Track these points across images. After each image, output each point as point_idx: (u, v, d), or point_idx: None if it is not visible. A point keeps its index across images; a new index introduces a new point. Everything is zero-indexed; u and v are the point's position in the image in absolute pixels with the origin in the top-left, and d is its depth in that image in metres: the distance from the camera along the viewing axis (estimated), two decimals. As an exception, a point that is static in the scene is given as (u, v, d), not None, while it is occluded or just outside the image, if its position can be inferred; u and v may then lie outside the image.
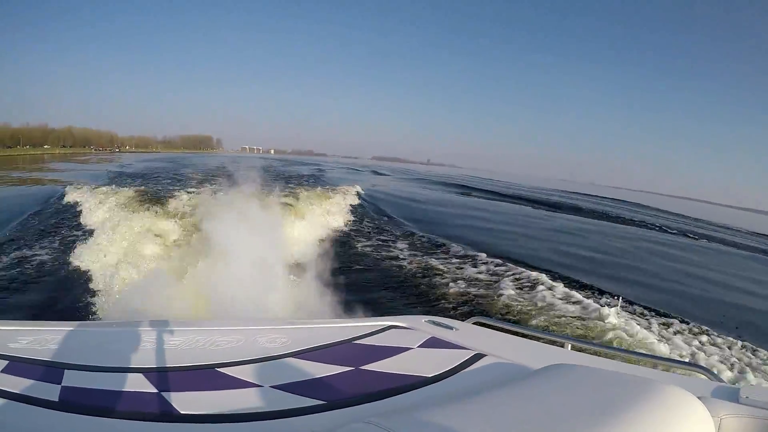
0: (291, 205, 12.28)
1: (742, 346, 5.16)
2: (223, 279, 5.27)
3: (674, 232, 20.37)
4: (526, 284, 6.59)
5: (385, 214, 14.98)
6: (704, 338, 5.34)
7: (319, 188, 18.18)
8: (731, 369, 4.51)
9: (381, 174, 42.69)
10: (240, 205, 7.03)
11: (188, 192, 10.59)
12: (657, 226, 21.60)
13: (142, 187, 12.18)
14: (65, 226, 9.99)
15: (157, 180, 16.27)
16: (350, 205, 16.24)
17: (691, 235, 20.05)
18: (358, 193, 17.79)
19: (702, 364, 2.05)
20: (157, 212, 8.39)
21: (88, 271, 6.40)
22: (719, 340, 5.30)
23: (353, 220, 12.72)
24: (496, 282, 6.48)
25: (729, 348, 5.09)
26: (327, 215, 12.63)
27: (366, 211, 15.30)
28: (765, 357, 4.93)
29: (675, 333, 5.48)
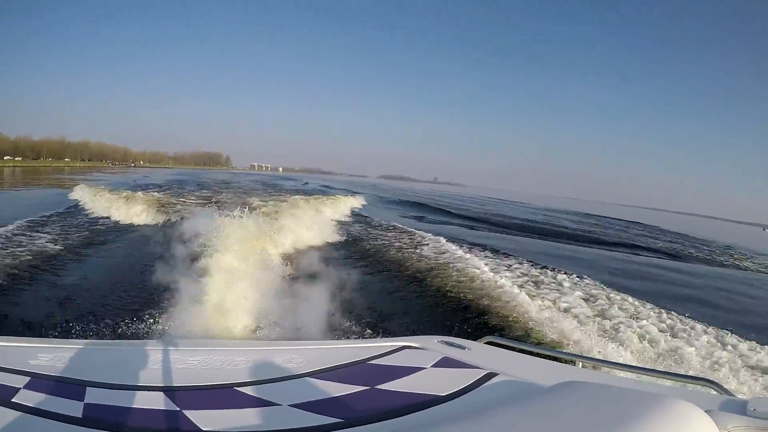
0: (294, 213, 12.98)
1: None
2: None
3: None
4: (541, 304, 6.59)
5: (390, 223, 15.15)
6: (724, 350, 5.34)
7: (321, 196, 18.69)
8: (742, 382, 4.52)
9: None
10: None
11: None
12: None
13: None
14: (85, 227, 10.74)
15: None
16: (352, 214, 16.62)
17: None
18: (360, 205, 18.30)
19: (711, 378, 2.09)
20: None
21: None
22: (737, 350, 5.33)
23: (356, 233, 12.89)
24: (509, 301, 6.45)
25: (743, 358, 5.09)
26: (330, 224, 13.20)
27: (369, 222, 15.60)
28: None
29: (692, 342, 5.51)
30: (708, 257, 20.41)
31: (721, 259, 20.59)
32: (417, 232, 12.81)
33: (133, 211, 13.86)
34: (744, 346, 5.47)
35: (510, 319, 5.79)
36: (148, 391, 1.41)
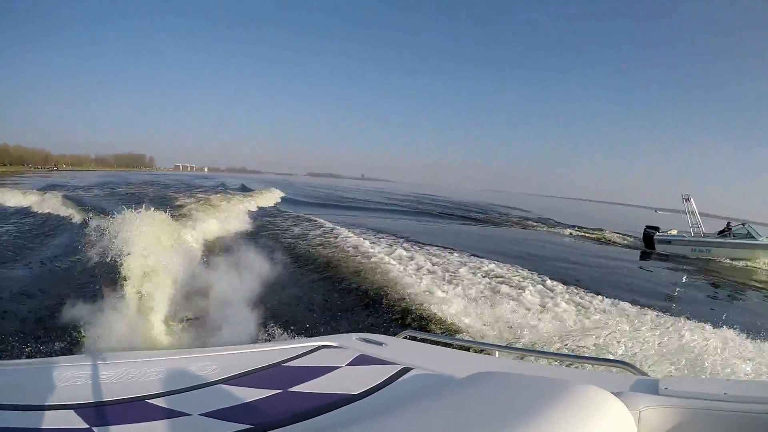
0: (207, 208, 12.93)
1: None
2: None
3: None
4: (463, 294, 6.72)
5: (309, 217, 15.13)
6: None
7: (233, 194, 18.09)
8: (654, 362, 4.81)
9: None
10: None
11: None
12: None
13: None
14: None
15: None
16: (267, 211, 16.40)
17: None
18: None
19: (626, 359, 2.21)
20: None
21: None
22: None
23: (273, 232, 12.70)
24: (429, 295, 6.49)
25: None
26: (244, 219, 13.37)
27: (290, 215, 15.64)
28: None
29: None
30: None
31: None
32: (337, 228, 12.76)
33: (45, 212, 13.47)
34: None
35: (431, 311, 5.82)
36: (59, 410, 1.36)
